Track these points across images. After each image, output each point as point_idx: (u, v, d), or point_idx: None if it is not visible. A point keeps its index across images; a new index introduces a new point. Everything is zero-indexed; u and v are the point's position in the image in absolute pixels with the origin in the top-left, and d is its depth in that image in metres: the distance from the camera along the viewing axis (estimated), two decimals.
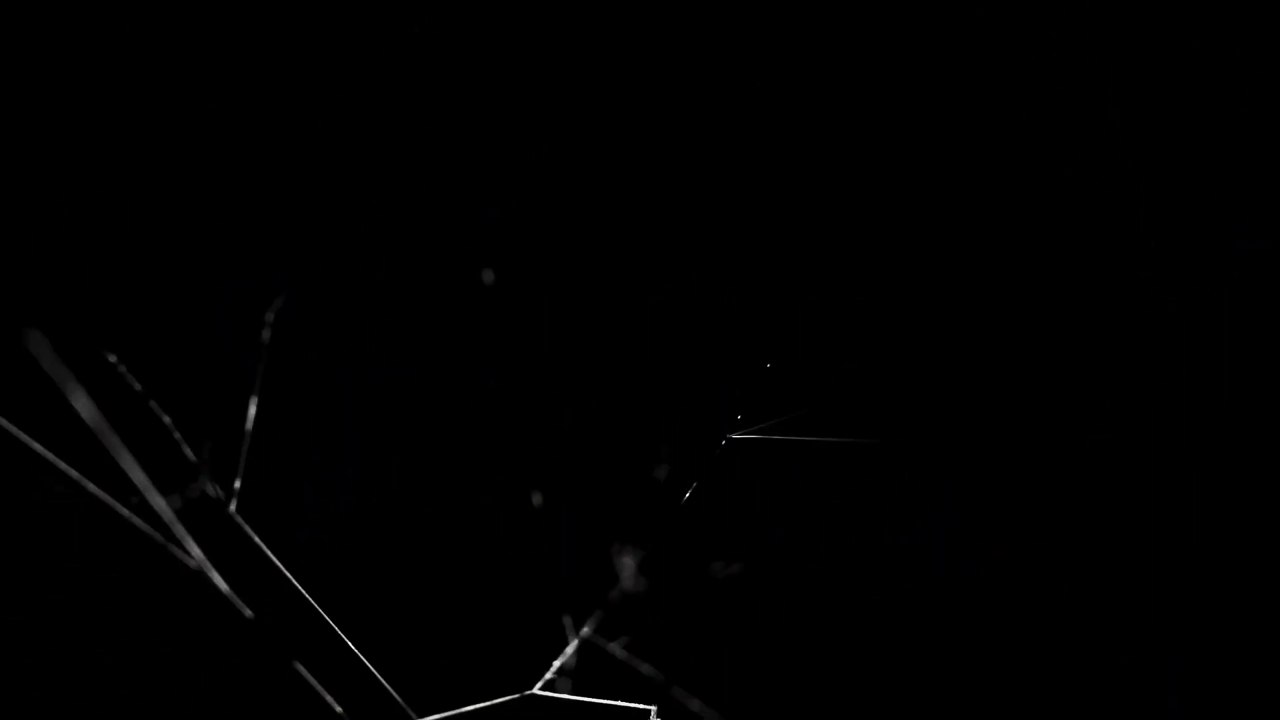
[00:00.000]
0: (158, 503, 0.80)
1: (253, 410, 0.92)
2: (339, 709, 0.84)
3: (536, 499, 1.01)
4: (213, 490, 0.85)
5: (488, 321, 1.07)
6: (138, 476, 0.79)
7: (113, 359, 0.88)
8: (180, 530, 0.81)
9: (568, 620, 0.90)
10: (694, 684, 1.02)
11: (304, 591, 0.83)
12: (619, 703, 0.84)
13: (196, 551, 0.82)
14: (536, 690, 0.85)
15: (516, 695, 0.85)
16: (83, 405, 0.80)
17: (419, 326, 1.07)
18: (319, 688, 0.84)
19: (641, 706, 0.83)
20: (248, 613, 0.83)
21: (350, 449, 1.06)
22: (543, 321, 1.08)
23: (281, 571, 0.84)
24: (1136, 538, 1.08)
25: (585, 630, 0.90)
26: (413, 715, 0.84)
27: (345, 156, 1.06)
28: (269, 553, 0.83)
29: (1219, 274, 1.08)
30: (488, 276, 0.97)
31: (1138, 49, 1.07)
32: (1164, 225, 1.08)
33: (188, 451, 0.85)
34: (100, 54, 1.02)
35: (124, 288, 1.00)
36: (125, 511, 0.80)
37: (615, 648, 0.88)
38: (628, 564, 0.97)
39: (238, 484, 0.86)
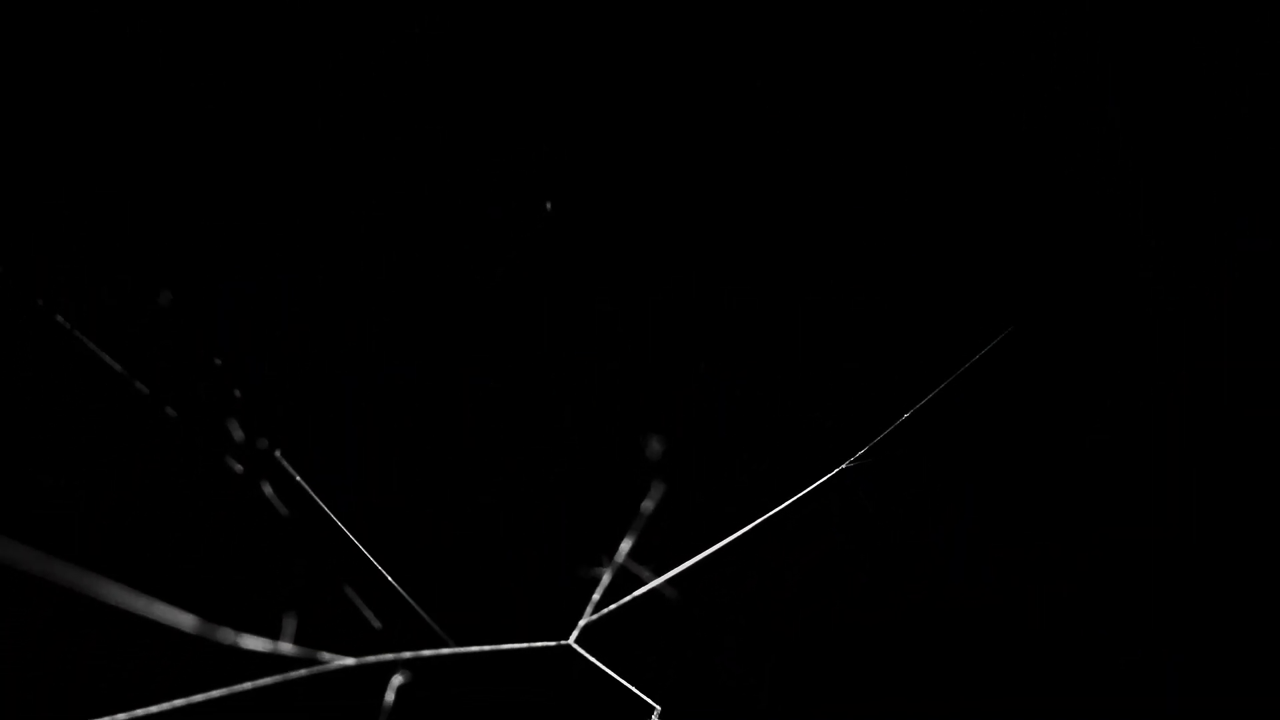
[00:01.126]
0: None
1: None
2: (378, 624, 0.85)
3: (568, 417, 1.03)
4: (262, 441, 0.87)
5: (488, 321, 1.07)
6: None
7: (168, 296, 0.89)
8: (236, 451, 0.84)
9: (604, 557, 0.91)
10: (700, 682, 1.02)
11: (345, 529, 0.84)
12: (633, 688, 0.84)
13: (243, 436, 0.84)
14: (572, 641, 0.85)
15: (554, 644, 0.85)
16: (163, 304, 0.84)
17: (419, 326, 1.07)
18: (361, 605, 0.85)
19: (648, 701, 0.83)
20: (284, 510, 0.84)
21: (350, 449, 1.06)
22: (543, 321, 1.08)
23: (323, 509, 0.85)
24: (1136, 538, 1.08)
25: (619, 558, 0.90)
26: (449, 640, 0.85)
27: (345, 157, 1.06)
28: (312, 493, 0.84)
29: (1219, 274, 1.08)
30: (548, 206, 0.98)
31: (1138, 49, 1.08)
32: (1164, 225, 1.08)
33: (236, 392, 0.87)
34: (100, 54, 1.02)
35: (123, 287, 1.00)
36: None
37: (645, 572, 0.88)
38: (655, 448, 0.98)
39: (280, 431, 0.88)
